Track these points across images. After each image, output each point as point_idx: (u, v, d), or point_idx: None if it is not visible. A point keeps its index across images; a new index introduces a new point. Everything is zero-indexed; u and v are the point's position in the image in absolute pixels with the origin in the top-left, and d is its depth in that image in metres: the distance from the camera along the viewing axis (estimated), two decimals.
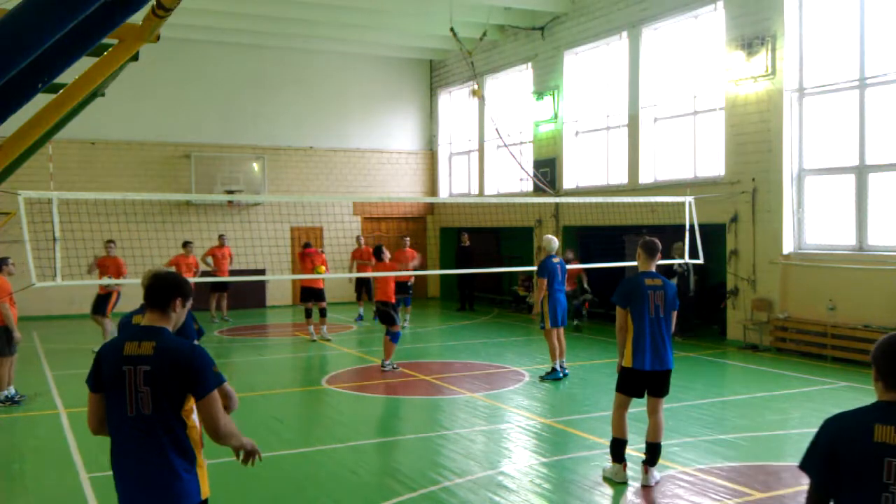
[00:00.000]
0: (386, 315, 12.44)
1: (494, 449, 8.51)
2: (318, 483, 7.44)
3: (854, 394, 10.63)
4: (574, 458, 7.89)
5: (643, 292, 6.96)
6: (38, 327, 17.30)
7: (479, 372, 12.55)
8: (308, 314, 16.30)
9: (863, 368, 12.18)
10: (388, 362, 12.51)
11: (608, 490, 6.95)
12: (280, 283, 22.37)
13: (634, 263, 7.72)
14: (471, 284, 21.40)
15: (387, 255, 12.79)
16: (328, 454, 8.26)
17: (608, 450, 7.31)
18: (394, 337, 12.40)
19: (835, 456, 2.93)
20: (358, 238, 19.80)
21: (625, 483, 7.00)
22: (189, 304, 3.95)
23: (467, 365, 13.26)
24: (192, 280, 15.79)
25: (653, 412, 7.06)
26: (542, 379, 11.68)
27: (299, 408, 10.71)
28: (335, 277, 19.13)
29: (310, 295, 16.07)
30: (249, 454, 3.90)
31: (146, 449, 3.65)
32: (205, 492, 3.78)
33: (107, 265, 14.25)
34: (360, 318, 18.89)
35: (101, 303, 14.10)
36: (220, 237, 19.42)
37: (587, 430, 8.87)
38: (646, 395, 7.09)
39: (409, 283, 17.61)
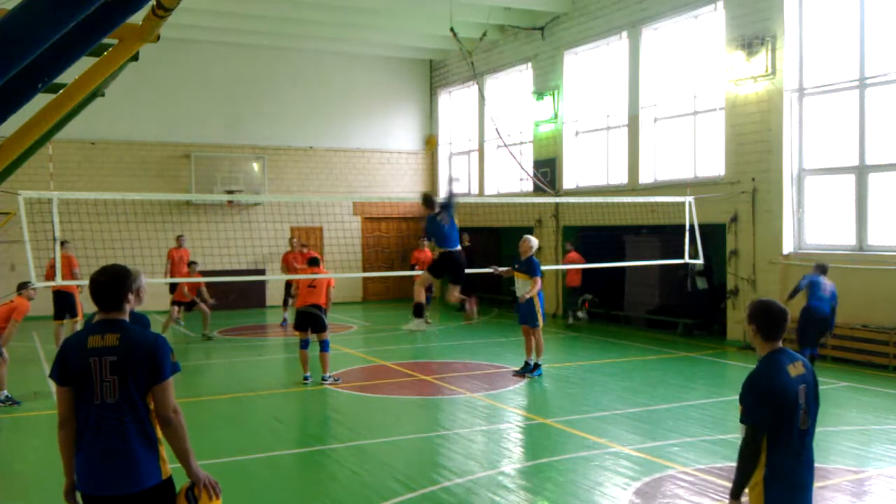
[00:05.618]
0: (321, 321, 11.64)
1: (494, 449, 8.52)
2: (319, 483, 7.45)
3: (854, 394, 10.62)
4: (574, 458, 7.88)
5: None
6: (38, 327, 17.28)
7: (478, 372, 12.55)
8: None
9: (863, 368, 12.19)
10: (328, 375, 11.72)
11: (608, 490, 6.95)
12: (280, 283, 22.33)
13: (635, 263, 7.85)
14: (471, 284, 21.38)
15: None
16: (328, 454, 8.26)
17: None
18: (324, 345, 11.65)
19: None
20: (291, 241, 18.56)
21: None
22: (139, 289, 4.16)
23: (467, 365, 13.26)
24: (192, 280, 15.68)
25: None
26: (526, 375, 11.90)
27: (299, 408, 10.70)
28: (329, 277, 19.05)
29: None
30: (207, 488, 4.00)
31: (111, 433, 3.90)
32: (166, 471, 4.00)
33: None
34: (285, 322, 18.14)
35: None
36: (179, 238, 17.35)
37: (587, 430, 8.86)
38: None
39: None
